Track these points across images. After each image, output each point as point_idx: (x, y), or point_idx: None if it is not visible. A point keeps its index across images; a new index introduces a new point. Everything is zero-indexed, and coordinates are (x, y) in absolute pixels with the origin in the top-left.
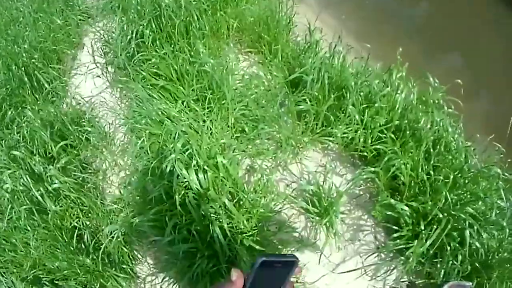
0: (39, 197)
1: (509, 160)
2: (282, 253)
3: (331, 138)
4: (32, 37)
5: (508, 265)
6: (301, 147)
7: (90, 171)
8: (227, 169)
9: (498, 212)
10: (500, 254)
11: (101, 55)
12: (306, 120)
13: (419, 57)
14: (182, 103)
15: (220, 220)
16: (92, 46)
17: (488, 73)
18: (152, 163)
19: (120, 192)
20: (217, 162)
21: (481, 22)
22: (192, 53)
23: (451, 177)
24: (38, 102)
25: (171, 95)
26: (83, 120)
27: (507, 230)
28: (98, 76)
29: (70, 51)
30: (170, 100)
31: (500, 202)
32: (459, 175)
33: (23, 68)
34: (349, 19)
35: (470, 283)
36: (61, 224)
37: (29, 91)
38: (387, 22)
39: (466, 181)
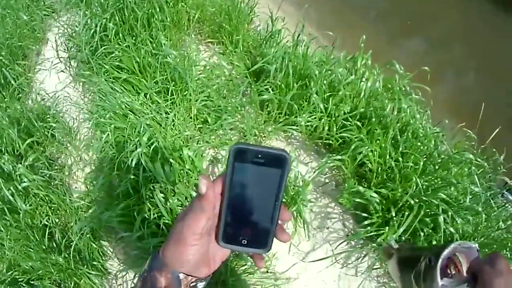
0: (10, 197)
1: (482, 146)
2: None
3: (294, 127)
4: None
5: (485, 249)
6: (264, 137)
7: (56, 167)
8: (192, 161)
9: (471, 197)
10: (476, 239)
11: (65, 49)
12: (269, 109)
13: (383, 44)
14: (145, 95)
15: None
16: (56, 41)
17: (454, 56)
18: (117, 157)
19: (87, 188)
20: (182, 154)
21: (445, 4)
22: (154, 45)
23: (421, 163)
24: (6, 100)
25: (133, 88)
26: (48, 116)
27: (483, 215)
28: (62, 71)
29: (35, 46)
30: (133, 93)
31: (474, 187)
32: (429, 161)
33: None
34: (312, 8)
35: (476, 245)
36: (32, 223)
37: None
38: (351, 9)
39: (437, 167)
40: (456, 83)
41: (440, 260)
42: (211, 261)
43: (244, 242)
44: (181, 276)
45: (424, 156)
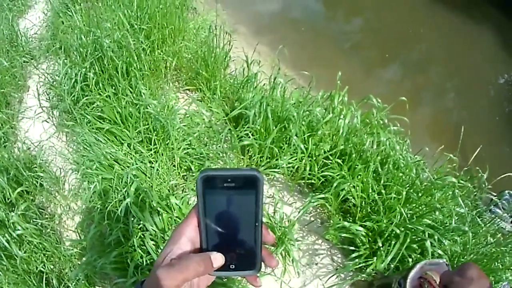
0: (6, 243)
1: (465, 168)
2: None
3: (276, 170)
4: None
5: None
6: None
7: (46, 216)
8: (179, 209)
9: (457, 218)
10: (465, 257)
11: (47, 99)
12: (250, 154)
13: (360, 76)
14: (128, 146)
15: None
16: (37, 89)
17: (428, 81)
18: (106, 207)
19: (79, 237)
20: (168, 202)
21: (418, 29)
22: (134, 95)
23: (404, 193)
24: None
25: (116, 138)
26: (35, 165)
27: (470, 234)
28: (45, 121)
29: (17, 94)
30: (116, 143)
31: (459, 208)
32: (412, 189)
33: None
34: (287, 47)
35: (444, 260)
36: (29, 268)
37: None
38: (324, 45)
39: (420, 195)
40: (434, 106)
41: (408, 282)
42: None
43: (233, 267)
44: None
45: (407, 185)
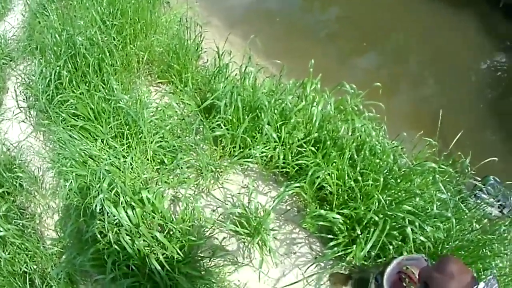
0: None
1: (445, 153)
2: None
3: (250, 159)
4: None
5: (461, 252)
6: (221, 172)
7: (27, 216)
8: (153, 203)
9: (439, 204)
10: (450, 244)
11: (24, 99)
12: (223, 144)
13: (334, 65)
14: (102, 141)
15: (155, 252)
16: (15, 90)
17: (405, 69)
18: (82, 204)
19: (58, 235)
20: (142, 197)
21: (394, 17)
22: (106, 90)
23: (381, 179)
24: None
25: (90, 135)
26: (14, 166)
27: (453, 220)
28: (23, 121)
29: None
30: (90, 140)
31: (440, 194)
32: (390, 176)
33: None
34: (259, 37)
35: (423, 255)
36: (13, 270)
37: None
38: (299, 34)
39: (398, 181)
40: (412, 94)
41: (385, 277)
42: None
43: None
44: None
45: (385, 171)
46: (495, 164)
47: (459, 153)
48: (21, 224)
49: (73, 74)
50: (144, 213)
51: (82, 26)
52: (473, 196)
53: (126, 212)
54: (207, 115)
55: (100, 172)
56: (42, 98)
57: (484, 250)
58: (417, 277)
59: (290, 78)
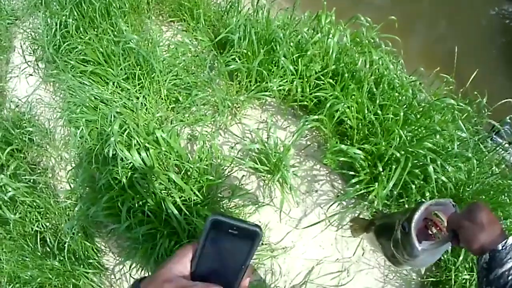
0: None
1: (461, 90)
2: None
3: (267, 93)
4: None
5: (482, 196)
6: (238, 107)
7: (39, 171)
8: (168, 143)
9: (459, 143)
10: (471, 186)
11: (31, 53)
12: (239, 79)
13: (347, 3)
14: (113, 84)
15: (172, 195)
16: (21, 46)
17: (418, 8)
18: (94, 150)
19: (71, 186)
20: (156, 137)
21: None
22: (115, 33)
23: (401, 113)
24: None
25: (101, 79)
26: (23, 122)
27: (474, 161)
28: (31, 75)
29: (3, 56)
30: (101, 84)
31: (460, 133)
32: (410, 111)
33: None
34: None
35: (450, 200)
36: (24, 231)
37: None
38: None
39: (418, 116)
40: (425, 32)
41: (413, 225)
42: None
43: None
44: None
45: (404, 106)
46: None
47: (475, 92)
48: (31, 181)
49: (80, 21)
50: (159, 154)
51: None
52: (489, 139)
53: (140, 154)
54: (221, 51)
55: (111, 115)
56: (48, 49)
57: (503, 196)
58: (445, 224)
59: (302, 12)
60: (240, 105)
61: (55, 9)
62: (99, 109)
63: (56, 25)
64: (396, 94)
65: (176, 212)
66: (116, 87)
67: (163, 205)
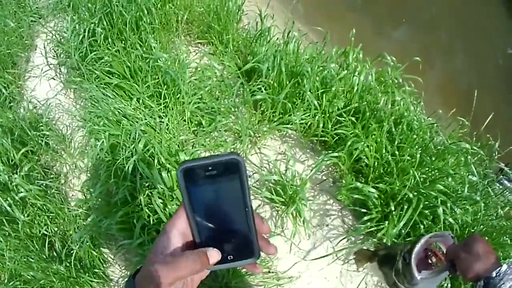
0: (8, 207)
1: (475, 133)
2: None
3: (289, 125)
4: None
5: (485, 237)
6: (259, 137)
7: (51, 176)
8: None
9: (469, 186)
10: (475, 228)
11: (54, 56)
12: (262, 108)
13: (370, 34)
14: (137, 100)
15: None
16: (44, 47)
17: (437, 42)
18: (113, 164)
19: (84, 196)
20: (178, 159)
21: None
22: (144, 49)
23: (417, 155)
24: None
25: (125, 93)
26: (40, 124)
27: (481, 204)
28: (53, 78)
29: (24, 53)
30: (125, 98)
31: (471, 176)
32: (425, 153)
33: None
34: (300, 3)
35: (449, 232)
36: (31, 232)
37: None
38: (336, 1)
39: (433, 159)
40: (442, 68)
41: (413, 257)
42: (189, 284)
43: (231, 257)
44: None
45: (420, 148)
46: None
47: (488, 135)
48: (44, 185)
49: (109, 32)
50: None
51: None
52: (497, 181)
53: (161, 174)
54: (247, 78)
55: (135, 132)
56: (74, 55)
57: (505, 237)
58: (444, 254)
59: (327, 45)
60: (261, 135)
61: (83, 15)
62: (122, 124)
63: (84, 32)
64: (414, 136)
65: None
66: (140, 103)
67: None
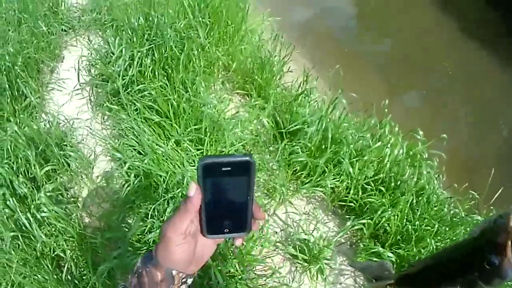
0: (26, 223)
1: (485, 206)
2: None
3: (319, 189)
4: (16, 40)
5: None
6: (288, 195)
7: (69, 197)
8: None
9: None
10: None
11: (87, 75)
12: (295, 168)
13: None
14: (177, 144)
15: (216, 263)
16: (78, 64)
17: (446, 112)
18: (146, 201)
19: (106, 224)
20: None
21: (439, 55)
22: (192, 91)
23: (436, 226)
24: (16, 113)
25: (164, 133)
26: (65, 143)
27: None
28: (83, 97)
29: (51, 63)
30: (162, 137)
31: None
32: (441, 223)
33: (5, 72)
34: (327, 65)
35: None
36: (42, 250)
37: (8, 100)
38: (368, 68)
39: (447, 229)
40: (450, 139)
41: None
42: (199, 259)
43: (227, 230)
44: (174, 272)
45: (438, 219)
46: None
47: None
48: (65, 207)
49: (157, 65)
50: None
51: (170, 16)
52: None
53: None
54: (283, 137)
55: (182, 177)
56: (117, 81)
57: None
58: None
59: (350, 109)
60: (291, 194)
61: (130, 39)
62: (164, 165)
63: (130, 59)
64: (435, 208)
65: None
66: (180, 146)
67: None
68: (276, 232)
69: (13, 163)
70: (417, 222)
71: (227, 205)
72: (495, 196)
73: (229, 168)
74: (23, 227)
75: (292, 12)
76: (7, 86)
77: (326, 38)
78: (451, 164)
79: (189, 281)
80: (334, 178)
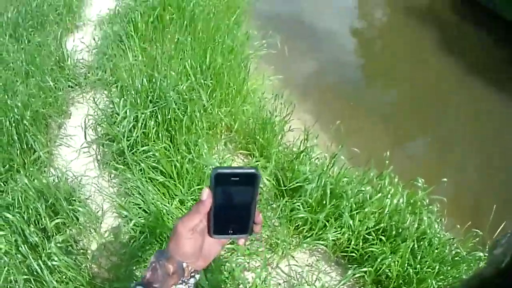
0: (37, 268)
1: (488, 241)
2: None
3: (321, 242)
4: (24, 93)
5: None
6: (290, 249)
7: (79, 248)
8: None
9: None
10: None
11: (93, 134)
12: (297, 224)
13: (385, 147)
14: (181, 203)
15: None
16: (85, 122)
17: (451, 158)
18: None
19: (109, 275)
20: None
21: (446, 103)
22: (194, 152)
23: (436, 267)
24: (26, 166)
25: (168, 192)
26: (73, 198)
27: None
28: (90, 155)
29: (59, 119)
30: (166, 196)
31: None
32: (442, 263)
33: (14, 125)
34: (328, 120)
35: None
36: None
37: (18, 152)
38: (372, 118)
39: (449, 268)
40: (455, 182)
41: None
42: (206, 256)
43: (231, 232)
44: (184, 265)
45: (439, 260)
46: None
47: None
48: (74, 258)
49: (160, 126)
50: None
51: (173, 78)
52: None
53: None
54: (284, 194)
55: None
56: (122, 142)
57: None
58: None
59: (352, 162)
60: (294, 248)
61: (135, 101)
62: (164, 222)
63: (135, 120)
64: (436, 250)
65: None
66: (183, 205)
67: None
68: (280, 284)
69: (24, 212)
70: (418, 266)
71: (233, 210)
72: (499, 229)
73: (238, 178)
74: (35, 272)
75: (295, 68)
76: (16, 138)
77: (329, 92)
78: (453, 205)
79: (197, 276)
80: (335, 231)
